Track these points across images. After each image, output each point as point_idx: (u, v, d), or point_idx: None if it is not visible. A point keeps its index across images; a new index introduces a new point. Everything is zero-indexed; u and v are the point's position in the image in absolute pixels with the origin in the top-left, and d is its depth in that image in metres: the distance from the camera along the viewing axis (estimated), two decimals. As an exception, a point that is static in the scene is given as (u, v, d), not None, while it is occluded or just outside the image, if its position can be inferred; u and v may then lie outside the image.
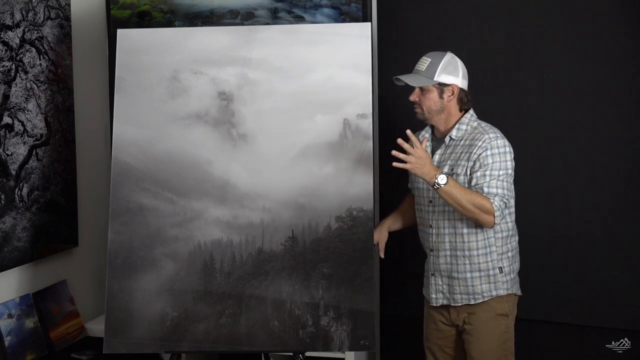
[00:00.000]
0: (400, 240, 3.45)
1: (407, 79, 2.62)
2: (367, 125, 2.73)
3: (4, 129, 2.78)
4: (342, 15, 3.18)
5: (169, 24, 3.29)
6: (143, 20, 3.32)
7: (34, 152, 2.93)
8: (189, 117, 2.76)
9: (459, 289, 2.62)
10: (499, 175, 2.51)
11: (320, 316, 2.63)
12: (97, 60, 3.39)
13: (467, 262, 2.60)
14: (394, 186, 3.40)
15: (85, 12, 3.30)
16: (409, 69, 3.42)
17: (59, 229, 3.08)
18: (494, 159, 2.52)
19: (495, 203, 2.49)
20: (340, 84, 2.74)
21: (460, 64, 2.64)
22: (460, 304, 2.63)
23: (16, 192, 2.83)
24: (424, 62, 2.63)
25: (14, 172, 2.83)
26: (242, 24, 3.22)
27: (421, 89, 2.61)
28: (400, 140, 2.48)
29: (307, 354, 2.67)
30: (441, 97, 2.61)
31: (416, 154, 2.45)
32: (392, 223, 2.87)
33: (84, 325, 3.18)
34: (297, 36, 2.80)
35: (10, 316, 2.81)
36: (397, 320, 3.48)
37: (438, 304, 2.68)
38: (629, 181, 3.07)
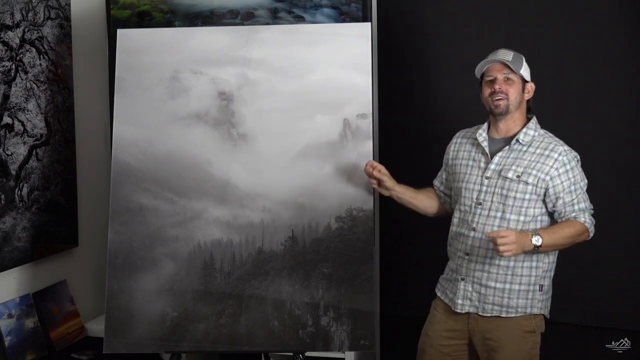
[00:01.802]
0: (400, 240, 3.46)
1: (507, 61, 2.48)
2: (367, 125, 2.73)
3: (4, 129, 2.77)
4: (342, 15, 3.18)
5: (169, 24, 3.29)
6: (143, 20, 3.32)
7: (34, 152, 2.93)
8: (189, 117, 2.77)
9: (492, 299, 2.49)
10: (582, 187, 2.49)
11: (320, 316, 2.63)
12: (97, 60, 3.39)
13: (509, 272, 2.48)
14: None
15: (85, 12, 3.30)
16: (409, 69, 3.41)
17: (59, 229, 3.08)
18: (574, 173, 2.48)
19: (587, 220, 2.47)
20: (340, 84, 2.74)
21: None
22: (489, 315, 2.50)
23: (16, 192, 2.83)
24: (508, 53, 2.51)
25: (14, 172, 2.83)
26: (242, 24, 3.22)
27: (507, 78, 2.49)
28: (489, 235, 2.39)
29: (307, 354, 2.67)
30: (522, 91, 2.53)
31: (509, 240, 2.32)
32: (400, 188, 2.71)
33: (84, 325, 3.18)
34: (297, 36, 2.80)
35: (10, 316, 2.81)
36: (397, 320, 3.48)
37: (464, 311, 2.53)
38: (629, 181, 3.08)
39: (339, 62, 2.76)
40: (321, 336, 2.62)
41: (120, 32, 2.85)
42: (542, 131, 2.55)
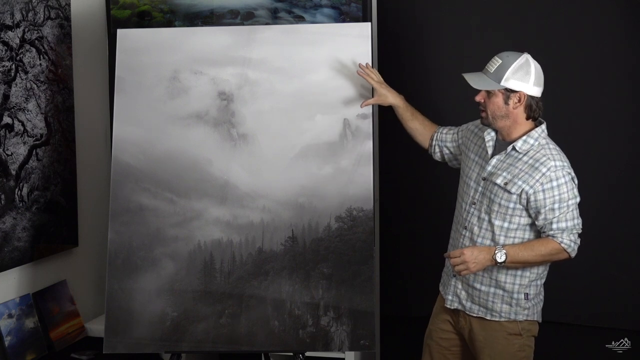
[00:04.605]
0: (400, 240, 3.46)
1: (472, 80, 2.42)
2: (367, 125, 2.73)
3: (4, 129, 2.77)
4: (342, 15, 3.18)
5: (169, 24, 3.29)
6: (143, 20, 3.32)
7: (34, 152, 2.93)
8: (189, 117, 2.77)
9: (478, 300, 2.51)
10: (567, 207, 2.37)
11: (320, 316, 2.63)
12: (97, 60, 3.39)
13: (494, 277, 2.47)
14: (394, 186, 3.41)
15: (85, 12, 3.30)
16: (409, 69, 3.41)
17: (59, 229, 3.08)
18: (560, 190, 2.37)
19: (564, 240, 2.37)
20: (341, 84, 2.74)
21: (533, 69, 2.40)
22: (475, 315, 2.52)
23: (16, 192, 2.83)
24: (494, 63, 2.42)
25: (14, 172, 2.83)
26: (242, 24, 3.22)
27: (487, 91, 2.42)
28: (445, 255, 2.47)
29: (307, 354, 2.67)
30: (506, 103, 2.40)
31: (460, 260, 2.37)
32: (403, 106, 2.75)
33: (84, 325, 3.18)
34: (297, 36, 2.80)
35: (10, 316, 2.81)
36: (397, 320, 3.48)
37: (452, 307, 2.57)
38: (629, 181, 3.08)
39: (339, 62, 2.76)
40: (321, 336, 2.62)
41: (120, 32, 2.85)
42: (544, 141, 2.44)
